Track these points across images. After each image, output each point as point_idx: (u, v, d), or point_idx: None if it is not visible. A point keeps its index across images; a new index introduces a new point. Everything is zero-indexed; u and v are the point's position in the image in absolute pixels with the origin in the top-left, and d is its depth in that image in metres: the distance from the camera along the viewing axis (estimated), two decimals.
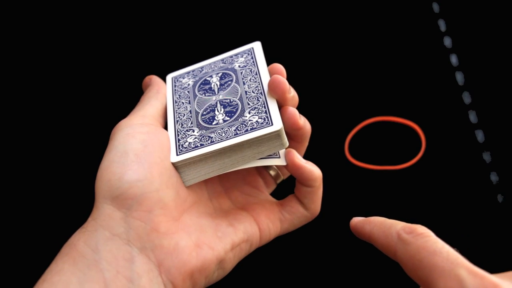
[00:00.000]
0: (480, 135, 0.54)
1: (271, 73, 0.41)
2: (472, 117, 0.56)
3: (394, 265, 0.48)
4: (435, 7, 0.63)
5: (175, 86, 0.44)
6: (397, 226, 0.34)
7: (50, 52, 0.63)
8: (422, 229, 0.32)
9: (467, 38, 0.61)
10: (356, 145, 0.55)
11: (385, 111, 0.56)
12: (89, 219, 0.36)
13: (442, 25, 0.62)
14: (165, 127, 0.41)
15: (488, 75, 0.58)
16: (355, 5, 0.64)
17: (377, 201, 0.51)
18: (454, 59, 0.59)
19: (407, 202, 0.51)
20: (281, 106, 0.39)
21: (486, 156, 0.53)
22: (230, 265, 0.39)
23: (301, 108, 0.43)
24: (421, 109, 0.56)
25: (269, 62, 0.43)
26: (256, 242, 0.40)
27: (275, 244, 0.45)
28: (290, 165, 0.39)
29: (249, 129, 0.38)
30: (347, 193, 0.52)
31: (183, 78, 0.44)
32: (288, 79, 0.42)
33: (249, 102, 0.40)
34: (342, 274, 0.48)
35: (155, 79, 0.44)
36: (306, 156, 0.44)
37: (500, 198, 0.51)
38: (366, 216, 0.50)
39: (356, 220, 0.38)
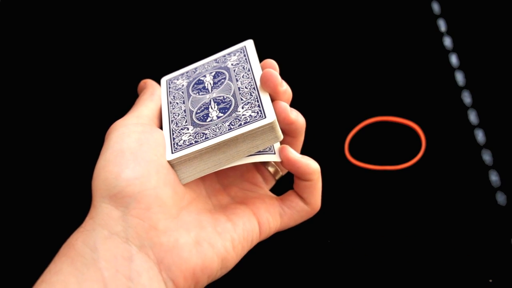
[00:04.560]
0: (480, 135, 0.54)
1: (263, 68, 0.41)
2: (472, 117, 0.56)
3: (394, 265, 0.48)
4: (435, 7, 0.63)
5: (169, 88, 0.44)
6: None
7: (47, 54, 0.63)
8: None
9: (467, 38, 0.61)
10: (356, 145, 0.55)
11: (385, 111, 0.56)
12: (87, 218, 0.36)
13: (442, 25, 0.62)
14: (160, 128, 0.41)
15: (488, 75, 0.58)
16: (355, 5, 0.64)
17: (377, 201, 0.51)
18: (454, 59, 0.59)
19: (407, 202, 0.51)
20: (273, 101, 0.39)
21: (486, 156, 0.53)
22: (232, 263, 0.38)
23: (301, 108, 0.43)
24: (421, 109, 0.56)
25: (263, 60, 0.43)
26: (256, 238, 0.40)
27: (274, 243, 0.45)
28: (284, 161, 0.39)
29: (242, 123, 0.38)
30: (347, 193, 0.52)
31: (177, 80, 0.45)
32: (287, 79, 0.42)
33: (242, 98, 0.40)
34: (342, 274, 0.48)
35: (149, 82, 0.44)
36: (305, 155, 0.44)
37: (502, 199, 0.51)
38: (365, 216, 0.51)
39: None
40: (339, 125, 0.56)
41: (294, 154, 0.39)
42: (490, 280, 0.46)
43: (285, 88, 0.40)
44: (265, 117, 0.37)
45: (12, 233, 0.51)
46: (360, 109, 0.57)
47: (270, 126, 0.37)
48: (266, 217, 0.40)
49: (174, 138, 0.39)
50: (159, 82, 0.45)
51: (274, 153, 0.40)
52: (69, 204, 0.52)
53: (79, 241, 0.34)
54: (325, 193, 0.50)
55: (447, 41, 0.61)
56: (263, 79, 0.39)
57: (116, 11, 0.66)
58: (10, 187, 0.54)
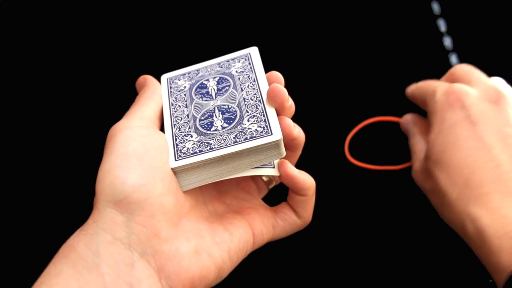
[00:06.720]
0: None
1: (269, 81, 0.41)
2: None
3: (394, 265, 0.48)
4: (435, 7, 0.63)
5: (170, 87, 0.44)
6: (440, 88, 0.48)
7: (46, 53, 0.63)
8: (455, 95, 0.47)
9: (467, 38, 0.61)
10: (356, 145, 0.55)
11: (385, 111, 0.56)
12: (89, 221, 0.36)
13: (442, 25, 0.62)
14: (161, 130, 0.41)
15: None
16: (355, 5, 0.64)
17: (377, 201, 0.51)
18: (454, 59, 0.59)
19: (407, 202, 0.51)
20: (277, 115, 0.39)
21: None
22: (227, 272, 0.39)
23: (301, 109, 0.43)
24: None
25: (265, 65, 0.43)
26: (250, 248, 0.41)
27: (272, 243, 0.45)
28: (283, 176, 0.40)
29: (248, 138, 0.38)
30: (347, 193, 0.52)
31: (179, 80, 0.44)
32: (286, 80, 0.42)
33: (247, 110, 0.40)
34: (341, 274, 0.48)
35: (150, 79, 0.44)
36: (306, 157, 0.44)
37: None
38: (364, 215, 0.51)
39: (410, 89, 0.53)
40: (339, 125, 0.56)
41: (293, 169, 0.40)
42: (491, 280, 0.46)
43: (290, 104, 0.40)
44: (272, 133, 0.37)
45: (11, 234, 0.51)
46: (360, 109, 0.57)
47: (276, 143, 0.37)
48: (260, 228, 0.41)
49: (177, 144, 0.39)
50: (158, 79, 0.45)
51: (273, 167, 0.41)
52: (67, 205, 0.52)
53: (81, 244, 0.34)
54: (325, 193, 0.50)
55: (447, 41, 0.61)
56: (271, 94, 0.39)
57: (116, 9, 0.66)
58: (9, 187, 0.54)
